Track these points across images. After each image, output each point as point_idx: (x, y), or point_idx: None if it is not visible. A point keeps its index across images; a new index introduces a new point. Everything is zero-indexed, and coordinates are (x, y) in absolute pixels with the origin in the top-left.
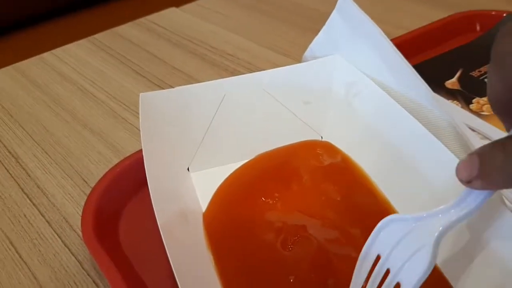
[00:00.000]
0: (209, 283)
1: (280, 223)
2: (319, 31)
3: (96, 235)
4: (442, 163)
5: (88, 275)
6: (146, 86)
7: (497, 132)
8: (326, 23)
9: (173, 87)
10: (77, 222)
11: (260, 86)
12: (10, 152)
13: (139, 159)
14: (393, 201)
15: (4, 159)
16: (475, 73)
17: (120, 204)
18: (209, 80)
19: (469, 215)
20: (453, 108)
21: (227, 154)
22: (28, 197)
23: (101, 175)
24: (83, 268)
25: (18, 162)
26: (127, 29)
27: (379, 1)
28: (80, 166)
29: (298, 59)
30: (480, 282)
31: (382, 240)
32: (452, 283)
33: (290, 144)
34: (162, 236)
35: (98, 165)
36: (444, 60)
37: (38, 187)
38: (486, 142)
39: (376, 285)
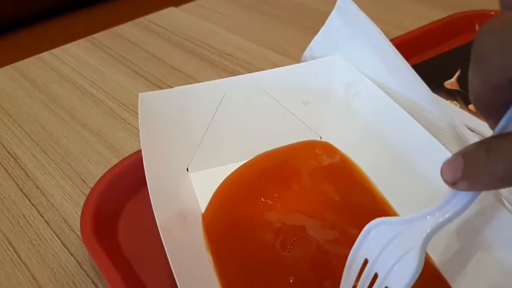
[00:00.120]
0: (208, 283)
1: (280, 224)
2: (318, 31)
3: (95, 235)
4: (441, 164)
5: (87, 275)
6: (145, 86)
7: None
8: (326, 23)
9: (172, 87)
10: (76, 222)
11: (259, 86)
12: (9, 152)
13: (138, 159)
14: (393, 202)
15: (3, 159)
16: None
17: (119, 205)
18: (208, 80)
19: (455, 217)
20: (452, 108)
21: (226, 154)
22: (27, 197)
23: (100, 175)
24: (82, 269)
25: (17, 162)
26: (126, 29)
27: (378, 1)
28: (79, 166)
29: (297, 59)
30: (478, 282)
31: (369, 244)
32: (450, 283)
33: (290, 145)
34: (161, 236)
35: (97, 165)
36: (443, 60)
37: (37, 187)
38: None
39: None
